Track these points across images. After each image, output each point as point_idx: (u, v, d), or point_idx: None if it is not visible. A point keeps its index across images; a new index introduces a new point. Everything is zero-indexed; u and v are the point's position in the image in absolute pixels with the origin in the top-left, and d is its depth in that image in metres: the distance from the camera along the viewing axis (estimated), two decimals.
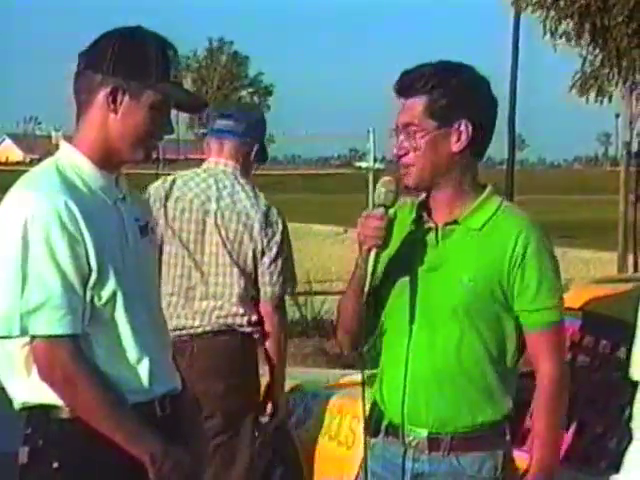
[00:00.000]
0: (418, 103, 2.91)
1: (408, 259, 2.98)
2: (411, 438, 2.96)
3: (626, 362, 2.66)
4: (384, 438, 3.02)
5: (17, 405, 2.66)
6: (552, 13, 16.40)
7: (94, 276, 2.57)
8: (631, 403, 2.57)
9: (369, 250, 2.86)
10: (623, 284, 4.30)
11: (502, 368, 2.96)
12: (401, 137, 2.94)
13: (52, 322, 2.52)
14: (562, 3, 16.06)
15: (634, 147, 17.66)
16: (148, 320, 2.70)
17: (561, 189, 64.38)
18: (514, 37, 17.10)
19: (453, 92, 2.91)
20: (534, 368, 2.97)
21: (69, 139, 2.72)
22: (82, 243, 2.56)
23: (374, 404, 3.07)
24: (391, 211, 2.95)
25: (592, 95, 17.15)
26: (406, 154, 2.93)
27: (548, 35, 16.49)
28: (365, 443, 3.07)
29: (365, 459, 3.07)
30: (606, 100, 17.01)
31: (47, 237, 2.52)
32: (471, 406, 2.93)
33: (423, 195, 3.03)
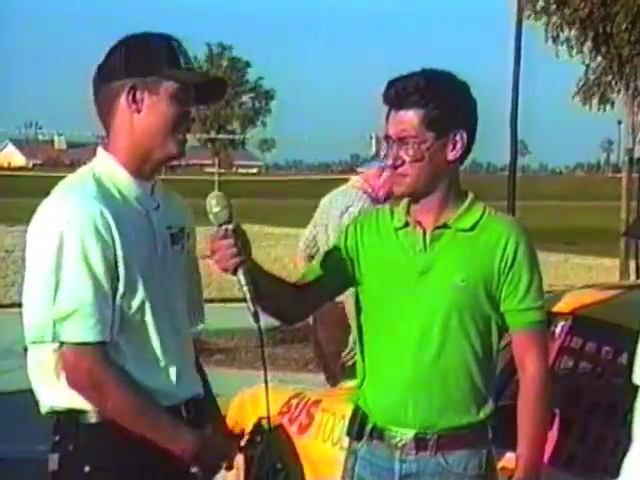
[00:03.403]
0: (413, 115, 2.94)
1: (394, 265, 3.01)
2: (397, 439, 2.99)
3: (628, 368, 2.68)
4: (368, 441, 3.05)
5: (44, 409, 2.67)
6: (555, 20, 16.44)
7: (123, 285, 2.59)
8: (632, 408, 2.58)
9: (235, 271, 2.80)
10: (625, 290, 4.31)
11: (486, 369, 3.01)
12: (396, 147, 2.97)
13: (82, 330, 2.54)
14: (565, 10, 16.09)
15: (636, 154, 17.66)
16: (171, 327, 2.71)
17: (563, 196, 64.40)
18: (516, 43, 17.08)
19: (448, 103, 2.95)
20: (519, 367, 3.02)
21: (105, 147, 2.72)
22: (113, 251, 2.57)
23: (356, 408, 3.10)
24: (360, 218, 3.10)
25: (594, 102, 17.18)
26: (402, 164, 2.96)
27: (550, 42, 16.54)
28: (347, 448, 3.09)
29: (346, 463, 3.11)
30: (608, 107, 17.04)
31: (82, 244, 2.54)
32: (457, 406, 2.97)
33: (404, 201, 3.06)
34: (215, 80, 2.88)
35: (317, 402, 4.90)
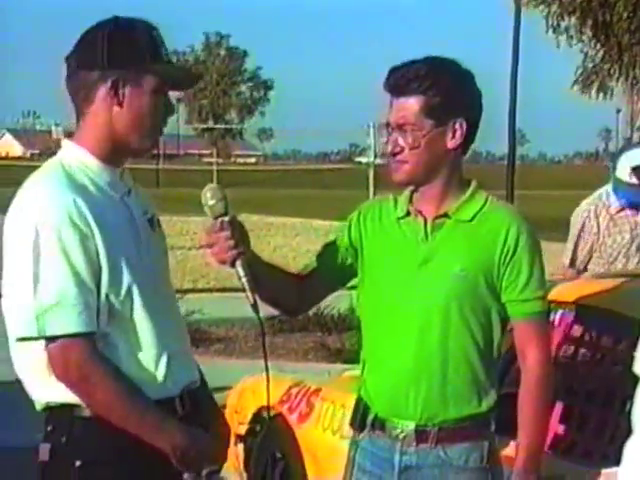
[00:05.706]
0: (413, 102, 2.93)
1: (396, 254, 3.00)
2: (398, 431, 2.98)
3: (627, 356, 2.67)
4: (370, 432, 3.04)
5: (39, 406, 2.64)
6: (554, 9, 16.45)
7: (107, 274, 2.55)
8: (632, 396, 2.58)
9: (233, 263, 2.80)
10: (626, 279, 4.30)
11: (488, 360, 2.99)
12: (395, 134, 2.96)
13: (67, 321, 2.50)
14: None
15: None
16: (166, 313, 2.69)
17: (561, 185, 64.36)
18: (515, 32, 17.09)
19: (449, 91, 2.93)
20: (520, 357, 3.02)
21: (70, 136, 2.70)
22: (92, 240, 2.53)
23: (358, 399, 3.09)
24: (365, 206, 3.08)
25: (593, 91, 17.20)
26: (401, 151, 2.95)
27: (550, 31, 16.56)
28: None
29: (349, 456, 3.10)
30: (607, 96, 17.06)
31: (59, 237, 2.50)
32: (459, 398, 2.96)
33: (407, 189, 3.04)
34: (191, 75, 2.88)
35: (317, 391, 4.89)
